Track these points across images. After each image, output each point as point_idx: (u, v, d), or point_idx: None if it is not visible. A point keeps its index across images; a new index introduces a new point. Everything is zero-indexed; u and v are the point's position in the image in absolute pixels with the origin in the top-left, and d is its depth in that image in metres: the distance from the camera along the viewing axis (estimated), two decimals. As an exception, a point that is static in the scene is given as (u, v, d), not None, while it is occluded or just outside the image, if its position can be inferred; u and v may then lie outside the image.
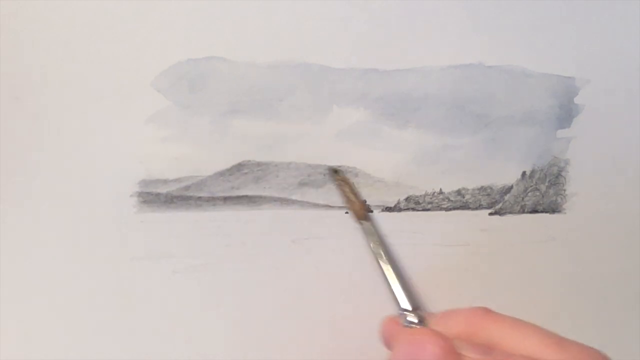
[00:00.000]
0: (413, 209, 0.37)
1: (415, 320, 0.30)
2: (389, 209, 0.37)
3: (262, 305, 0.36)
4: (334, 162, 0.36)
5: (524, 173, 0.37)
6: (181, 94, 0.35)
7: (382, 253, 0.33)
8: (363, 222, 0.35)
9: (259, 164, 0.36)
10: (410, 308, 0.31)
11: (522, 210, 0.38)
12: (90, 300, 0.35)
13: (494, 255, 0.37)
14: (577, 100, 0.37)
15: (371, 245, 0.34)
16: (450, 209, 0.37)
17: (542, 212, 0.38)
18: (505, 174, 0.37)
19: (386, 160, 0.37)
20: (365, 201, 0.36)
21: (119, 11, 0.34)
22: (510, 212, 0.37)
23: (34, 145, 0.34)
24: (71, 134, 0.34)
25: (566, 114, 0.37)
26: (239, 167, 0.36)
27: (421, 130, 0.37)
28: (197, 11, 0.34)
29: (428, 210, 0.37)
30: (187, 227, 0.35)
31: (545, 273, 0.37)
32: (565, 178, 0.38)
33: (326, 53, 0.35)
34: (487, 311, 0.28)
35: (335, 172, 0.36)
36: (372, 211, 0.37)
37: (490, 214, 0.37)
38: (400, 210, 0.37)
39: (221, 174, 0.36)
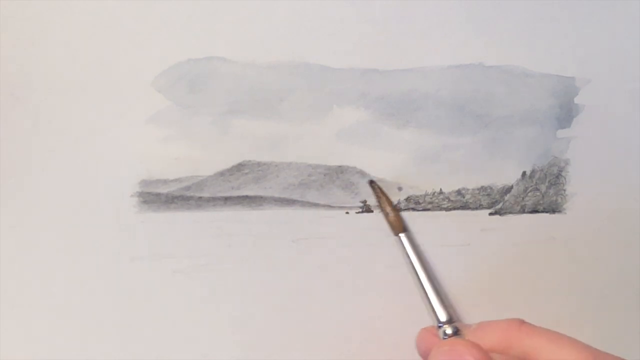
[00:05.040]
0: (413, 209, 0.37)
1: (451, 332, 0.31)
2: (389, 209, 0.37)
3: (262, 305, 0.36)
4: (334, 162, 0.36)
5: (524, 173, 0.37)
6: (181, 94, 0.35)
7: (420, 265, 0.34)
8: (401, 234, 0.35)
9: (259, 164, 0.36)
10: (446, 320, 0.32)
11: (522, 210, 0.38)
12: (91, 300, 0.35)
13: (494, 255, 0.37)
14: (577, 100, 0.37)
15: (409, 257, 0.34)
16: (450, 209, 0.37)
17: (542, 212, 0.38)
18: (505, 174, 0.37)
19: (386, 160, 0.37)
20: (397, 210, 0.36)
21: (119, 11, 0.34)
22: (510, 212, 0.38)
23: (34, 145, 0.34)
24: (71, 134, 0.34)
25: (566, 114, 0.37)
26: (239, 167, 0.36)
27: (421, 130, 0.37)
28: (197, 11, 0.34)
29: (428, 210, 0.37)
30: (187, 227, 0.35)
31: (545, 273, 0.37)
32: (565, 178, 0.38)
33: (326, 53, 0.35)
34: (522, 323, 0.28)
35: (372, 183, 0.36)
36: (372, 211, 0.37)
37: (490, 214, 0.37)
38: (400, 210, 0.37)
39: (221, 174, 0.36)
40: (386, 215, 0.35)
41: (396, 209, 0.36)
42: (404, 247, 0.34)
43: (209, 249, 0.36)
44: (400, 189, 0.36)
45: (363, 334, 0.36)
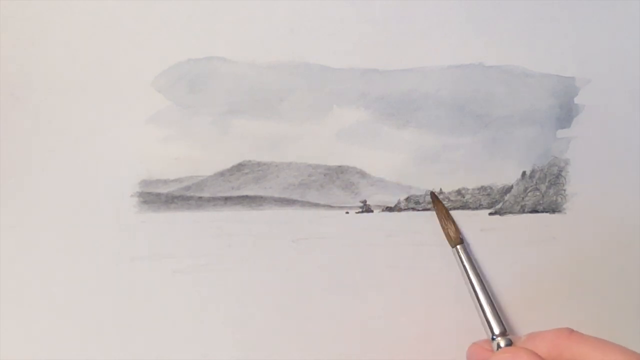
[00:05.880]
0: (413, 209, 0.37)
1: (504, 344, 0.32)
2: (389, 209, 0.37)
3: (262, 305, 0.36)
4: (334, 162, 0.36)
5: (524, 173, 0.37)
6: (181, 94, 0.35)
7: (476, 278, 0.34)
8: (458, 246, 0.35)
9: (259, 164, 0.36)
10: (500, 332, 0.32)
11: (522, 210, 0.38)
12: (91, 300, 0.35)
13: (494, 255, 0.37)
14: (577, 100, 0.37)
15: (466, 270, 0.34)
16: (450, 209, 0.37)
17: (542, 212, 0.38)
18: (505, 174, 0.37)
19: (386, 160, 0.37)
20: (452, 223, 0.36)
21: (119, 11, 0.34)
22: (510, 212, 0.37)
23: (34, 145, 0.34)
24: (71, 134, 0.34)
25: (566, 114, 0.37)
26: (239, 167, 0.36)
27: (421, 130, 0.37)
28: (197, 11, 0.35)
29: (428, 210, 0.37)
30: (187, 227, 0.35)
31: (545, 273, 0.37)
32: (565, 178, 0.38)
33: (326, 53, 0.35)
34: (571, 332, 0.29)
35: (433, 196, 0.36)
36: (372, 211, 0.37)
37: (490, 214, 0.37)
38: (400, 210, 0.37)
39: (221, 174, 0.36)
40: (444, 227, 0.36)
41: (455, 223, 0.36)
42: (461, 260, 0.35)
43: (209, 249, 0.36)
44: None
45: (363, 334, 0.36)
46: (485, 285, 0.34)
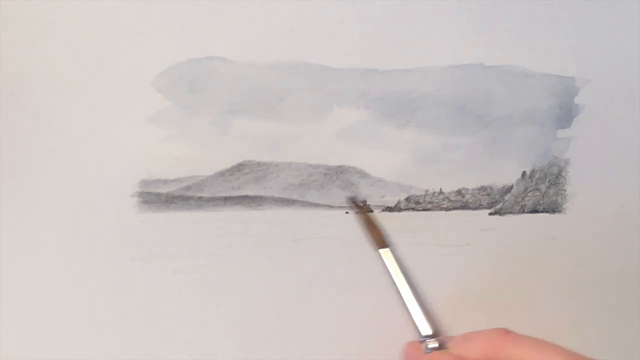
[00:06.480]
0: (413, 209, 0.37)
1: (437, 346, 0.31)
2: (389, 209, 0.37)
3: (262, 305, 0.36)
4: (334, 162, 0.36)
5: (524, 173, 0.37)
6: (181, 94, 0.35)
7: (403, 280, 0.33)
8: (382, 249, 0.34)
9: (259, 164, 0.36)
10: (431, 334, 0.31)
11: (522, 210, 0.38)
12: (91, 300, 0.35)
13: (494, 255, 0.37)
14: (577, 100, 0.37)
15: (391, 272, 0.34)
16: (450, 209, 0.37)
17: (542, 212, 0.38)
18: (505, 174, 0.37)
19: (386, 160, 0.37)
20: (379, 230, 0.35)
21: (119, 11, 0.34)
22: (510, 212, 0.38)
23: (34, 145, 0.34)
24: (71, 134, 0.34)
25: (566, 114, 0.37)
26: (239, 167, 0.36)
27: (421, 130, 0.37)
28: (197, 11, 0.34)
29: (428, 210, 0.37)
30: (187, 227, 0.35)
31: (545, 273, 0.37)
32: (565, 178, 0.38)
33: (326, 53, 0.35)
34: (506, 332, 0.28)
35: (353, 200, 0.36)
36: (372, 211, 0.37)
37: (490, 214, 0.37)
38: (400, 210, 0.37)
39: (221, 174, 0.36)
40: (368, 230, 0.35)
41: (379, 226, 0.35)
42: (385, 264, 0.33)
43: (209, 249, 0.36)
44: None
45: (363, 334, 0.36)
46: (414, 288, 0.33)
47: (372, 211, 0.37)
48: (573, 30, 0.37)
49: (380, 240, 0.34)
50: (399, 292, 0.33)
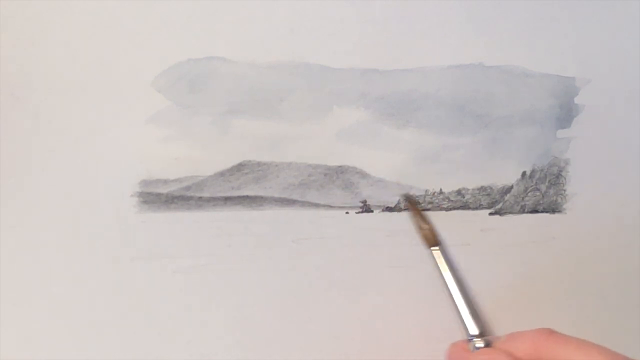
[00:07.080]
0: (413, 209, 0.37)
1: (483, 345, 0.31)
2: (389, 209, 0.37)
3: (262, 305, 0.36)
4: (334, 162, 0.36)
5: (524, 173, 0.37)
6: (181, 94, 0.35)
7: (453, 279, 0.34)
8: (434, 248, 0.35)
9: (259, 164, 0.36)
10: (478, 333, 0.32)
11: (522, 210, 0.38)
12: (91, 300, 0.35)
13: (494, 255, 0.37)
14: (577, 100, 0.37)
15: (442, 271, 0.34)
16: (450, 209, 0.37)
17: (542, 212, 0.38)
18: (505, 174, 0.37)
19: (386, 160, 0.37)
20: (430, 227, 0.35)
21: (119, 11, 0.34)
22: (510, 212, 0.38)
23: (34, 145, 0.34)
24: (71, 134, 0.34)
25: (566, 114, 0.37)
26: (239, 167, 0.36)
27: (421, 130, 0.37)
28: (197, 11, 0.34)
29: (428, 210, 0.37)
30: (187, 227, 0.35)
31: (545, 273, 0.37)
32: (565, 178, 0.38)
33: (326, 53, 0.35)
34: (551, 332, 0.29)
35: (406, 198, 0.36)
36: (372, 211, 0.37)
37: (490, 214, 0.37)
38: (400, 210, 0.37)
39: (221, 174, 0.36)
40: (419, 229, 0.35)
41: (431, 224, 0.35)
42: (436, 262, 0.34)
43: (209, 249, 0.36)
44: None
45: (363, 334, 0.36)
46: (463, 288, 0.33)
47: (426, 210, 0.37)
48: (573, 30, 0.37)
49: (431, 238, 0.35)
50: (448, 291, 0.33)
